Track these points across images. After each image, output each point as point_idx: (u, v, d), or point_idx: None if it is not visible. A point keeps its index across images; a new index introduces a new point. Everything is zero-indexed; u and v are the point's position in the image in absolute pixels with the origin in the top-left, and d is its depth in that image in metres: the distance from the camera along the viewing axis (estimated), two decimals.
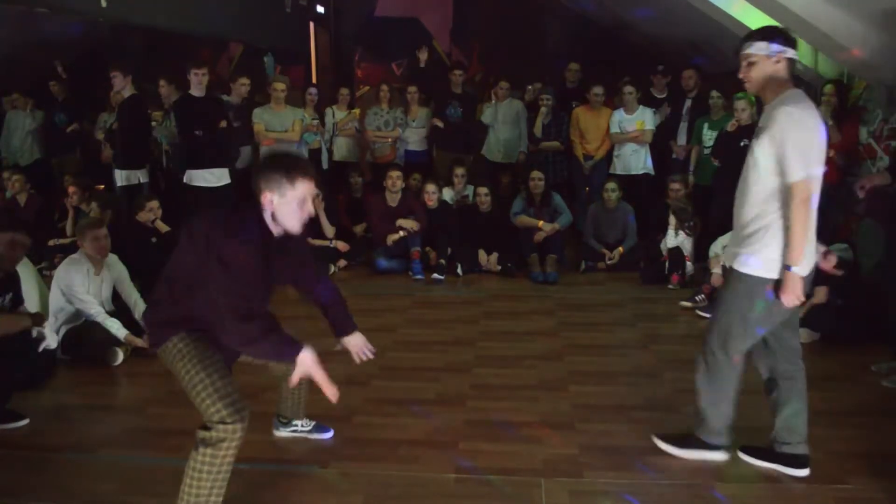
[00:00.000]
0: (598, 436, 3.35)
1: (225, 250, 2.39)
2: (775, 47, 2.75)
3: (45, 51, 8.36)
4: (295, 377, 2.59)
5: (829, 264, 2.97)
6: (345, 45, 10.64)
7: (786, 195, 2.70)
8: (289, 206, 2.47)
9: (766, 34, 2.79)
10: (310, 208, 2.55)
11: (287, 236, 2.56)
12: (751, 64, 2.81)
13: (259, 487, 2.97)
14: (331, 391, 2.51)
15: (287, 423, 3.35)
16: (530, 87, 7.78)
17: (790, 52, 2.76)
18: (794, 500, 2.84)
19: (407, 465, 3.11)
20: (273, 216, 2.49)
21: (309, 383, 2.86)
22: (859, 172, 5.59)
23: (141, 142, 6.34)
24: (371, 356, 3.05)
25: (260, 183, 2.47)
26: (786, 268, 2.72)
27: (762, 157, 2.75)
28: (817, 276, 4.57)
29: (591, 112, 6.84)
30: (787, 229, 2.71)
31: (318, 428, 3.36)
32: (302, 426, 3.36)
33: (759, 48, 2.77)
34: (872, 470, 2.98)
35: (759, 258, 2.79)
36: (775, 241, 2.76)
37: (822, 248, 2.93)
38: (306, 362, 2.48)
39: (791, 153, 2.65)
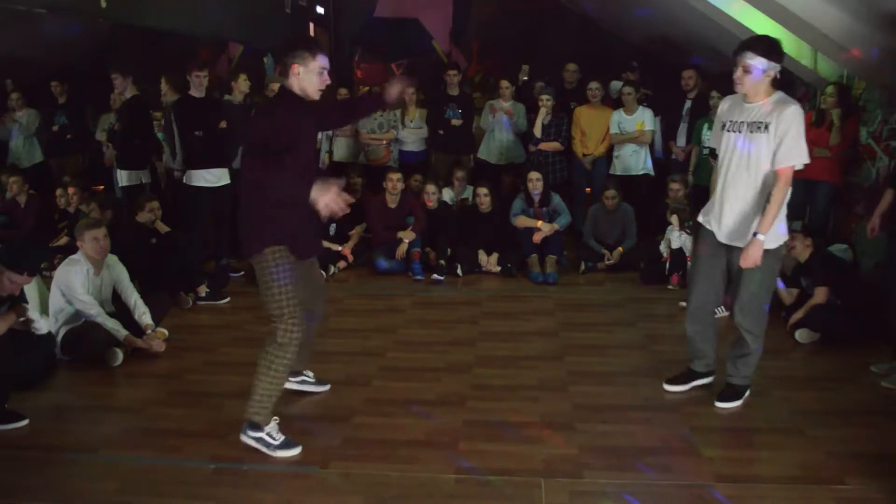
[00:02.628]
0: (598, 436, 3.35)
1: (270, 117, 3.04)
2: (773, 64, 3.22)
3: (45, 51, 8.36)
4: (346, 249, 3.35)
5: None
6: (345, 46, 10.64)
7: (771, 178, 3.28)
8: (310, 75, 3.04)
9: (766, 51, 3.21)
10: (326, 78, 3.10)
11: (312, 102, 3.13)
12: (747, 72, 3.24)
13: (259, 487, 2.97)
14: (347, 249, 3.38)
15: (296, 374, 3.70)
16: (524, 68, 7.82)
17: (780, 66, 3.27)
18: (793, 501, 2.84)
19: (407, 465, 3.11)
20: (299, 85, 3.06)
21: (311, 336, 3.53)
22: (859, 173, 5.60)
23: (143, 142, 6.35)
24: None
25: (286, 59, 3.04)
26: (754, 234, 3.29)
27: (768, 147, 3.25)
28: (817, 277, 4.62)
29: (593, 110, 6.84)
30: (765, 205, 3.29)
31: (319, 382, 3.82)
32: (307, 377, 3.78)
33: (759, 62, 3.21)
34: (872, 470, 2.98)
35: (771, 234, 3.31)
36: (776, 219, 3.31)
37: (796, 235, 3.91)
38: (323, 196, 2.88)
39: (792, 143, 3.20)
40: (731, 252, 3.47)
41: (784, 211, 3.33)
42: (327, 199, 2.87)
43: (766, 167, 3.28)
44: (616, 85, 7.33)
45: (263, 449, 3.16)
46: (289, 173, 2.91)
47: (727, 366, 3.67)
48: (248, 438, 3.17)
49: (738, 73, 3.25)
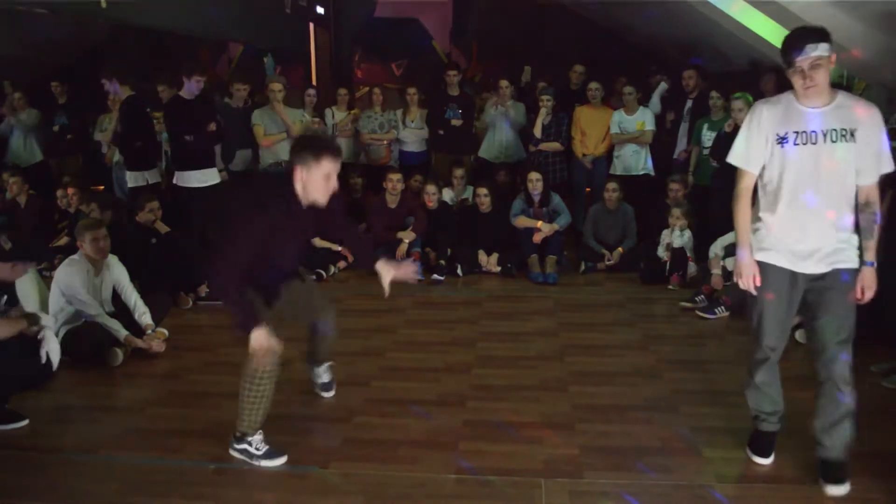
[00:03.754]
0: (598, 436, 3.35)
1: (252, 215, 2.92)
2: (833, 47, 2.70)
3: (45, 51, 8.35)
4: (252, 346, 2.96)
5: None
6: (345, 46, 10.64)
7: (872, 192, 2.79)
8: (315, 179, 2.96)
9: (826, 35, 2.69)
10: (334, 184, 3.02)
11: (319, 210, 3.09)
12: (819, 66, 2.68)
13: (259, 487, 2.97)
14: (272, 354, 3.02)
15: (319, 364, 3.79)
16: (526, 70, 7.81)
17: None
18: (794, 500, 2.84)
19: (407, 465, 3.11)
20: (304, 188, 2.98)
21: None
22: None
23: (145, 142, 6.35)
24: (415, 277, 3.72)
25: (293, 159, 2.98)
26: (868, 263, 2.83)
27: (851, 157, 2.74)
28: None
29: (594, 111, 6.84)
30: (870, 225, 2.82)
31: (325, 388, 3.84)
32: (317, 375, 3.82)
33: (825, 49, 2.67)
34: (872, 470, 2.98)
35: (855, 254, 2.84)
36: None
37: None
38: (258, 338, 2.90)
39: (885, 150, 2.73)
40: (815, 281, 2.86)
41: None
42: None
43: (852, 178, 2.77)
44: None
45: (247, 459, 3.14)
46: (235, 272, 2.87)
47: (822, 438, 2.95)
48: (234, 451, 3.18)
49: (806, 71, 2.68)
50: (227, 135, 6.11)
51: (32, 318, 3.62)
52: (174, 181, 5.91)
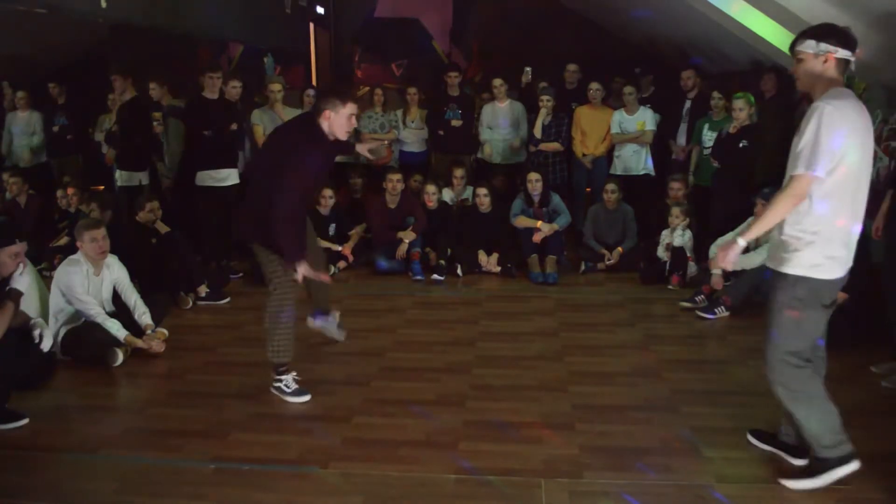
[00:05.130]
0: (598, 436, 3.35)
1: (307, 146, 3.52)
2: (824, 46, 2.72)
3: (45, 51, 8.35)
4: (299, 276, 3.59)
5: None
6: (345, 46, 10.64)
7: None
8: (341, 119, 3.57)
9: (817, 33, 2.75)
10: (354, 123, 3.65)
11: (336, 141, 3.67)
12: (799, 61, 2.78)
13: (259, 487, 2.97)
14: (325, 278, 3.91)
15: (326, 313, 4.36)
16: (526, 70, 7.86)
17: (841, 53, 2.72)
18: (794, 501, 2.84)
19: (407, 465, 3.10)
20: (329, 127, 3.57)
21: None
22: None
23: (142, 144, 6.35)
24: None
25: (320, 104, 3.60)
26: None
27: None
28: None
29: (594, 111, 6.84)
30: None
31: (341, 327, 4.48)
32: (335, 316, 4.43)
33: (807, 46, 2.75)
34: (872, 470, 2.98)
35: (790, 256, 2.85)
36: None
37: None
38: (301, 269, 3.55)
39: (805, 144, 2.65)
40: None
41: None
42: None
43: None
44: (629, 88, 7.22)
45: (279, 395, 3.73)
46: (291, 195, 3.46)
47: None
48: (273, 386, 3.76)
49: (794, 65, 2.83)
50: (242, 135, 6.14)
51: (15, 297, 3.43)
52: (195, 182, 5.89)
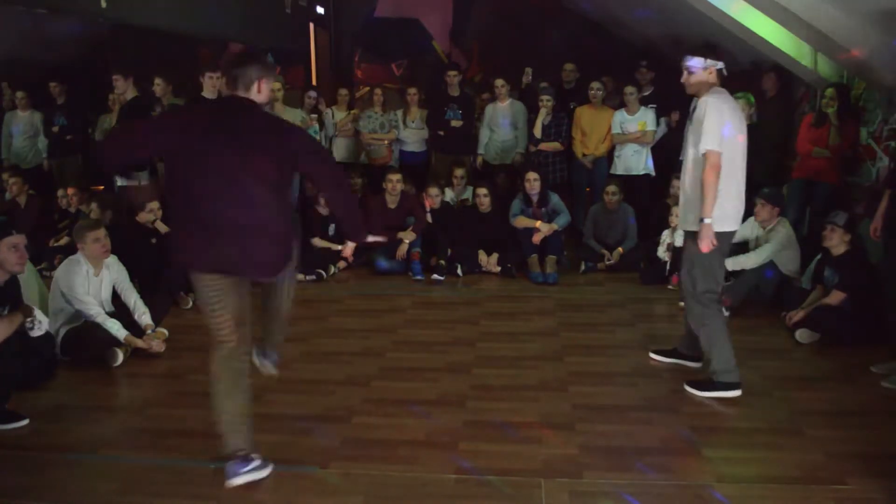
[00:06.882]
0: (598, 436, 3.35)
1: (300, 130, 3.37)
2: (709, 62, 3.63)
3: (45, 51, 8.35)
4: (347, 250, 3.66)
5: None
6: (345, 46, 10.64)
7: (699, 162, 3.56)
8: (266, 88, 2.89)
9: (704, 52, 3.67)
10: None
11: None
12: (690, 73, 3.69)
13: (259, 487, 2.96)
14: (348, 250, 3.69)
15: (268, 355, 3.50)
16: (527, 71, 7.88)
17: (720, 65, 3.65)
18: (793, 501, 2.84)
19: (407, 465, 3.10)
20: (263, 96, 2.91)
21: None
22: (860, 173, 5.60)
23: None
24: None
25: (253, 75, 2.82)
26: (700, 220, 3.56)
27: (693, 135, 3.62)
28: (844, 279, 4.56)
29: (594, 111, 6.84)
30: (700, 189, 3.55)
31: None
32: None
33: (696, 62, 3.65)
34: (872, 470, 2.98)
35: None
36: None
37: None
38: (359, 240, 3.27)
39: (706, 129, 3.49)
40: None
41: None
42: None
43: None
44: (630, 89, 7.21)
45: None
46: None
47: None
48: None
49: (684, 75, 3.75)
50: None
51: (26, 310, 3.59)
52: None
